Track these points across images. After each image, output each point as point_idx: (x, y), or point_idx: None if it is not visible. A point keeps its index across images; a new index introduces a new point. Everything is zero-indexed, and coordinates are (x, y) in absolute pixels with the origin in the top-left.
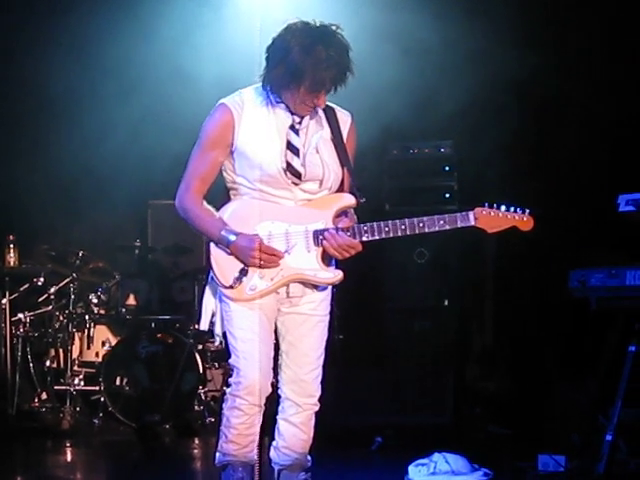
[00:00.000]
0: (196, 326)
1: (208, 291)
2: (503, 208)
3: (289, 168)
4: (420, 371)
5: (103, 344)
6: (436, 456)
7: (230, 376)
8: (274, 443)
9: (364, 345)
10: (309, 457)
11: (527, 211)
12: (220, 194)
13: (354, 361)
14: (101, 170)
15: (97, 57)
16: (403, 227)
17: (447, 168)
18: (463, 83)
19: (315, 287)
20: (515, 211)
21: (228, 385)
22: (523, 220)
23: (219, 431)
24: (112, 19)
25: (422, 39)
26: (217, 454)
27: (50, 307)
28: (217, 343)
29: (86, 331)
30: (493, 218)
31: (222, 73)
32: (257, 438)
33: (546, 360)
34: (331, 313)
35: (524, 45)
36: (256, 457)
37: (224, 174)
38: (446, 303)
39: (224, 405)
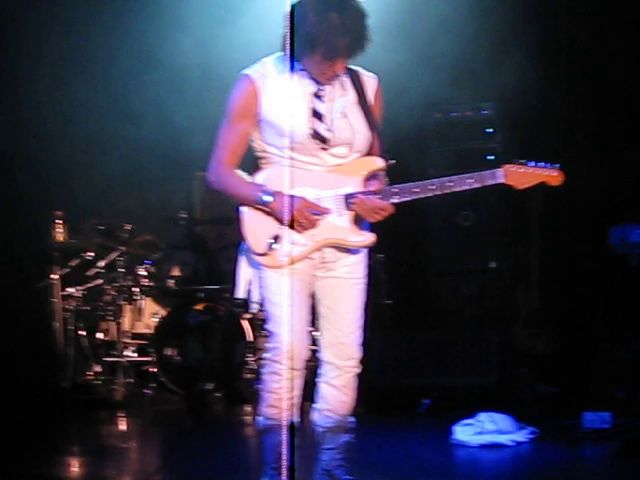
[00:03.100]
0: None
1: (243, 260)
2: (532, 164)
3: (315, 134)
4: (467, 333)
5: (153, 315)
6: (482, 416)
7: (268, 342)
8: (316, 406)
9: (411, 308)
10: (351, 419)
11: (556, 166)
12: (250, 164)
13: (402, 324)
14: (146, 143)
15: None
16: (432, 187)
17: (489, 130)
18: (504, 47)
19: (349, 251)
20: (544, 166)
21: (266, 350)
22: (552, 175)
23: (258, 396)
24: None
25: (461, 8)
26: (258, 418)
27: (100, 281)
28: (254, 311)
29: (136, 303)
30: (522, 174)
31: (255, 44)
32: (298, 401)
33: (592, 318)
34: (374, 277)
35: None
36: (297, 420)
37: (253, 144)
38: (493, 265)
39: (263, 370)
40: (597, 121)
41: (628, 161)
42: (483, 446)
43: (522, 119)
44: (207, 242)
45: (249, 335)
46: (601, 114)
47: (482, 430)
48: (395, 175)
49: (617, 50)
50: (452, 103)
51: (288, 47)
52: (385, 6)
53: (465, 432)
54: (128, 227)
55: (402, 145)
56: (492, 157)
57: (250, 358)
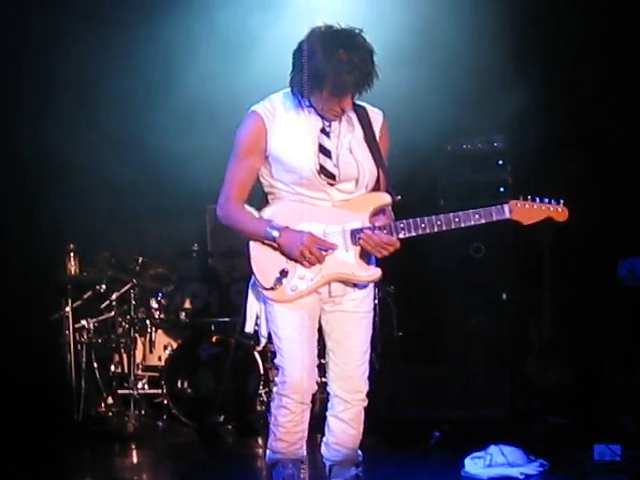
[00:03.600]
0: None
1: (251, 294)
2: (537, 200)
3: (322, 170)
4: (478, 365)
5: (165, 348)
6: (492, 448)
7: (277, 376)
8: (324, 439)
9: (422, 341)
10: (360, 452)
11: (561, 202)
12: (258, 199)
13: (412, 356)
14: (160, 176)
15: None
16: (439, 223)
17: (501, 162)
18: (514, 78)
19: (356, 285)
20: (550, 202)
21: (275, 384)
22: (558, 211)
23: (268, 429)
24: None
25: (474, 39)
26: (267, 451)
27: (112, 313)
28: (262, 345)
29: (148, 336)
30: (528, 210)
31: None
32: (305, 435)
33: (602, 349)
34: (385, 310)
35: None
36: (305, 453)
37: (261, 179)
38: (504, 297)
39: (272, 404)
40: (607, 153)
41: (638, 193)
42: (493, 479)
43: (533, 151)
44: (219, 275)
45: (261, 367)
46: (612, 146)
47: (492, 463)
48: (406, 207)
49: (623, 79)
50: (464, 135)
51: (294, 83)
52: (396, 39)
53: (475, 465)
54: (140, 259)
55: (414, 177)
56: (503, 189)
57: (262, 390)
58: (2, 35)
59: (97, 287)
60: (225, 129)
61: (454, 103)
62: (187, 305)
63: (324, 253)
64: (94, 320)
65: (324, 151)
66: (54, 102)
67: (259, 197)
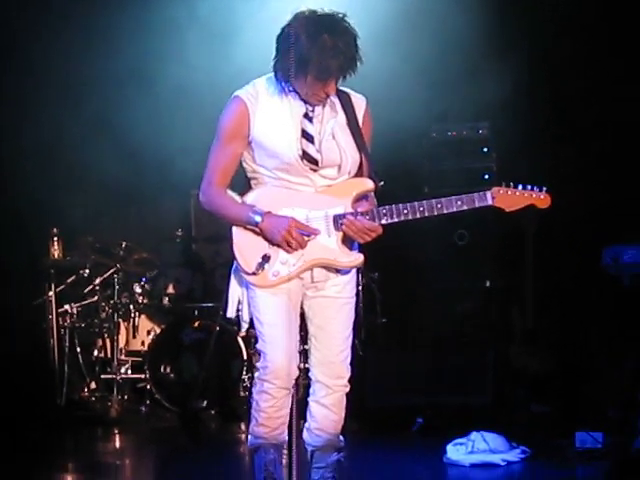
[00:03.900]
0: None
1: (233, 279)
2: (520, 187)
3: (305, 155)
4: (461, 352)
5: (148, 333)
6: (474, 435)
7: (258, 361)
8: (306, 425)
9: (406, 327)
10: (341, 438)
11: (544, 189)
12: (241, 184)
13: (396, 343)
14: (144, 162)
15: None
16: (421, 209)
17: (485, 149)
18: (500, 64)
19: (338, 271)
20: (532, 189)
21: (256, 370)
22: (540, 198)
23: (249, 415)
24: None
25: (459, 26)
26: (249, 437)
27: (96, 298)
28: (244, 330)
29: (131, 320)
30: (510, 197)
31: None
32: (287, 420)
33: (585, 338)
34: (369, 296)
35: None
36: (286, 439)
37: (244, 164)
38: (487, 284)
39: (253, 389)
40: (592, 140)
41: (622, 181)
42: (475, 465)
43: (518, 138)
44: (203, 260)
45: (244, 353)
46: (596, 133)
47: (474, 449)
48: (390, 193)
49: (602, 57)
50: (448, 121)
51: (277, 68)
52: (381, 24)
53: (457, 451)
54: (124, 244)
55: (398, 163)
56: (488, 176)
57: (245, 376)
58: None
59: (81, 272)
60: (209, 115)
61: (438, 89)
62: (170, 290)
63: (306, 238)
64: (77, 305)
65: (307, 136)
66: (38, 92)
67: (242, 182)
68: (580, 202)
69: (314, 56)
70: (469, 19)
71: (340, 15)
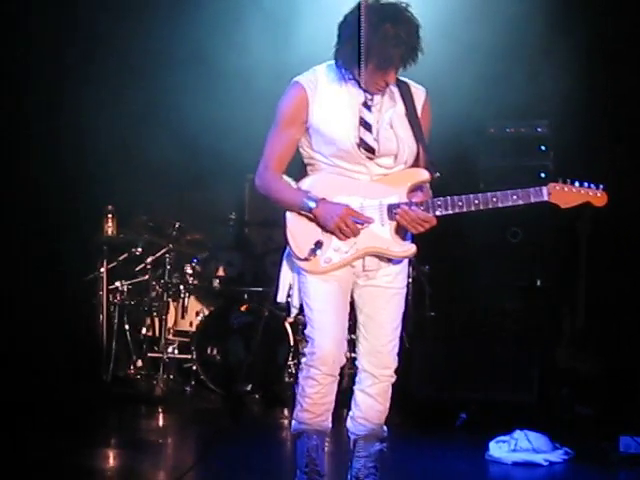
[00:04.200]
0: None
1: (285, 265)
2: (577, 184)
3: (362, 143)
4: (509, 349)
5: (197, 314)
6: (517, 433)
7: (306, 347)
8: (350, 413)
9: (454, 322)
10: (385, 428)
11: (601, 187)
12: (298, 169)
13: (443, 337)
14: (200, 145)
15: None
16: (477, 202)
17: (543, 148)
18: (560, 63)
19: (390, 260)
20: (589, 186)
21: (304, 355)
22: (597, 196)
23: (295, 400)
24: None
25: (519, 23)
26: (293, 422)
27: (146, 276)
28: (293, 315)
29: (181, 301)
30: (567, 193)
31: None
32: (331, 408)
33: (635, 342)
34: (419, 289)
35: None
36: (330, 426)
37: (301, 150)
38: (539, 283)
39: (300, 374)
40: None
41: None
42: (517, 464)
43: (576, 138)
44: (254, 244)
45: (291, 339)
46: None
47: (517, 448)
48: (446, 188)
49: None
50: (507, 118)
51: (338, 55)
52: (444, 16)
53: (500, 449)
54: (177, 225)
55: (454, 158)
56: (544, 175)
57: (291, 362)
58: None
59: (133, 250)
60: (266, 99)
61: (499, 84)
62: (221, 273)
63: (360, 226)
64: (128, 282)
65: (365, 124)
66: (99, 72)
67: (298, 168)
68: (637, 203)
69: (376, 45)
70: (531, 15)
71: (403, 5)
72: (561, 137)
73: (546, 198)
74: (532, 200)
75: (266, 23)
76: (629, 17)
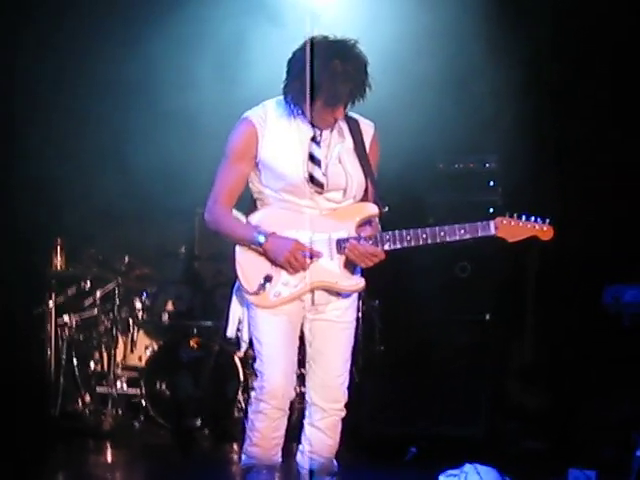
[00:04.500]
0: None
1: (235, 299)
2: (524, 218)
3: (311, 178)
4: (458, 383)
5: (146, 348)
6: (467, 467)
7: (255, 381)
8: (300, 447)
9: (404, 356)
10: (335, 462)
11: (547, 221)
12: (247, 204)
13: (393, 371)
14: (149, 179)
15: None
16: (425, 236)
17: (492, 183)
18: (509, 99)
19: (339, 294)
20: (535, 221)
21: (253, 389)
22: (543, 230)
23: (244, 434)
24: None
25: (469, 60)
26: (243, 456)
27: (95, 311)
28: (243, 350)
29: (130, 335)
30: (513, 227)
31: (271, 80)
32: (281, 442)
33: (583, 376)
34: (368, 323)
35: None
36: (280, 460)
37: (250, 185)
38: (487, 317)
39: (249, 409)
40: (597, 179)
41: (626, 220)
42: None
43: (525, 173)
44: (204, 278)
45: (241, 373)
46: (601, 172)
47: None
48: (395, 222)
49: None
50: (455, 153)
51: (287, 91)
52: (392, 52)
53: None
54: (126, 259)
55: (404, 192)
56: (493, 210)
57: (241, 396)
58: None
59: (82, 283)
60: (216, 134)
61: (447, 120)
62: (170, 307)
63: (309, 260)
64: (77, 316)
65: (314, 160)
66: (45, 115)
67: (247, 202)
68: (584, 239)
69: (324, 81)
70: (478, 50)
71: (352, 41)
72: (510, 172)
73: (493, 232)
74: (480, 234)
75: (214, 60)
76: (574, 54)
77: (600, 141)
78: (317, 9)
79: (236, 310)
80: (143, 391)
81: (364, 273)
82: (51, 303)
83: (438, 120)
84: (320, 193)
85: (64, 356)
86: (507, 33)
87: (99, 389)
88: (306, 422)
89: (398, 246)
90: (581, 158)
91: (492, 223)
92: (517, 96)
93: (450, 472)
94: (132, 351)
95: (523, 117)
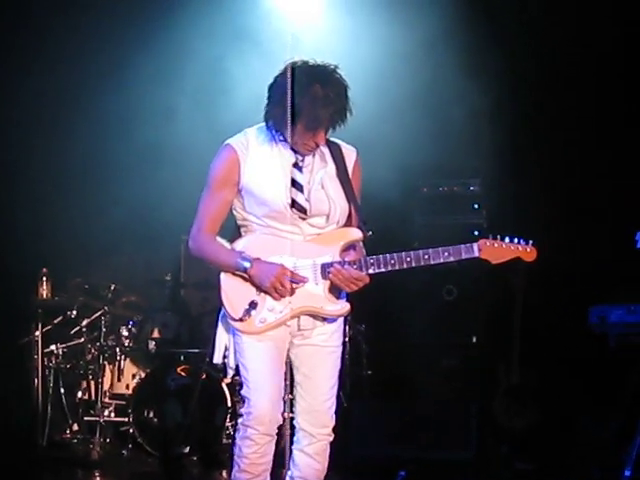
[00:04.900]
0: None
1: (221, 326)
2: (507, 239)
3: (294, 204)
4: (446, 406)
5: (133, 377)
6: None
7: (242, 407)
8: (289, 473)
9: (391, 380)
10: None
11: (530, 242)
12: (231, 231)
13: (381, 395)
14: (135, 205)
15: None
16: (408, 259)
17: (476, 206)
18: (489, 121)
19: (325, 319)
20: (519, 242)
21: (240, 415)
22: (527, 251)
23: (232, 460)
24: None
25: (450, 83)
26: None
27: (82, 339)
28: (230, 377)
29: (117, 363)
30: (497, 249)
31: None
32: (269, 467)
33: (571, 396)
34: (355, 348)
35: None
36: None
37: (234, 212)
38: (474, 340)
39: (237, 435)
40: (581, 200)
41: (611, 241)
42: None
43: (509, 194)
44: (190, 306)
45: (229, 400)
46: (586, 193)
47: None
48: (380, 246)
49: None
50: (440, 176)
51: (268, 117)
52: (373, 76)
53: None
54: (112, 287)
55: (389, 217)
56: (478, 233)
57: (229, 423)
58: None
59: (68, 312)
60: (198, 160)
61: (431, 144)
62: (156, 335)
63: (294, 286)
64: (63, 345)
65: (296, 185)
66: (28, 143)
67: (231, 229)
68: (570, 261)
69: (305, 106)
70: (460, 74)
71: (332, 66)
72: (493, 195)
73: (477, 254)
74: (463, 256)
75: (196, 89)
76: (553, 75)
77: (582, 160)
78: (297, 33)
79: (222, 337)
80: (131, 419)
81: (349, 297)
82: (37, 332)
83: (421, 144)
84: (303, 219)
85: (51, 385)
86: (484, 56)
87: (87, 418)
88: (295, 448)
89: (382, 270)
90: (564, 178)
91: (475, 245)
92: (496, 119)
93: None
94: (119, 379)
95: (503, 139)
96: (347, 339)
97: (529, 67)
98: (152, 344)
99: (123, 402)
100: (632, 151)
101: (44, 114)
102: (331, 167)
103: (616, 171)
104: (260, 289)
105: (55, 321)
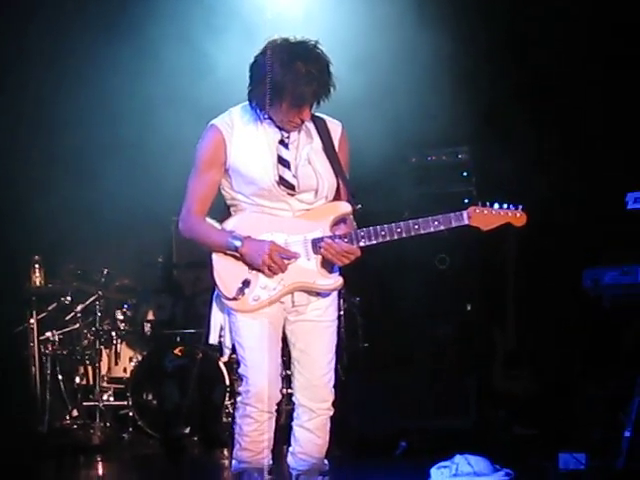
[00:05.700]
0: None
1: (215, 306)
2: (496, 205)
3: (282, 181)
4: (444, 375)
5: (130, 360)
6: (458, 458)
7: (240, 385)
8: (290, 449)
9: (388, 351)
10: (326, 461)
11: (520, 207)
12: (221, 211)
13: (378, 367)
14: (126, 188)
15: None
16: (399, 230)
17: (465, 174)
18: (478, 89)
19: (319, 294)
20: (508, 208)
21: (239, 394)
22: (516, 216)
23: (234, 439)
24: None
25: (436, 49)
26: (233, 461)
27: (77, 325)
28: (226, 356)
29: (113, 347)
30: (486, 216)
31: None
32: (271, 444)
33: (568, 359)
34: (350, 321)
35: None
36: (271, 462)
37: (223, 192)
38: (469, 308)
39: (236, 414)
40: (570, 163)
41: (602, 203)
42: None
43: (497, 162)
44: (183, 286)
45: (227, 379)
46: (575, 156)
47: (457, 472)
48: (371, 218)
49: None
50: (427, 147)
51: (252, 96)
52: (359, 49)
53: (442, 474)
54: (105, 271)
55: (378, 188)
56: (468, 200)
57: (228, 402)
58: None
59: (62, 299)
60: (190, 140)
61: (418, 113)
62: (151, 317)
63: (286, 262)
64: (59, 332)
65: (283, 162)
66: (20, 133)
67: (221, 210)
68: (561, 224)
69: (288, 83)
70: (443, 43)
71: (312, 42)
72: (482, 162)
73: (467, 222)
74: (453, 225)
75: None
76: (544, 43)
77: (571, 123)
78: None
79: (217, 317)
80: (130, 402)
81: (342, 271)
82: (33, 320)
83: (408, 114)
84: (292, 195)
85: (49, 372)
86: (474, 21)
87: (86, 403)
88: (295, 424)
89: (373, 242)
90: (552, 141)
91: (465, 213)
92: (484, 87)
93: (441, 464)
94: (116, 363)
95: (490, 105)
96: (342, 313)
97: (522, 33)
98: (147, 326)
99: (121, 386)
100: (621, 114)
101: (28, 107)
102: (317, 142)
103: (605, 134)
104: (252, 267)
105: (50, 308)
